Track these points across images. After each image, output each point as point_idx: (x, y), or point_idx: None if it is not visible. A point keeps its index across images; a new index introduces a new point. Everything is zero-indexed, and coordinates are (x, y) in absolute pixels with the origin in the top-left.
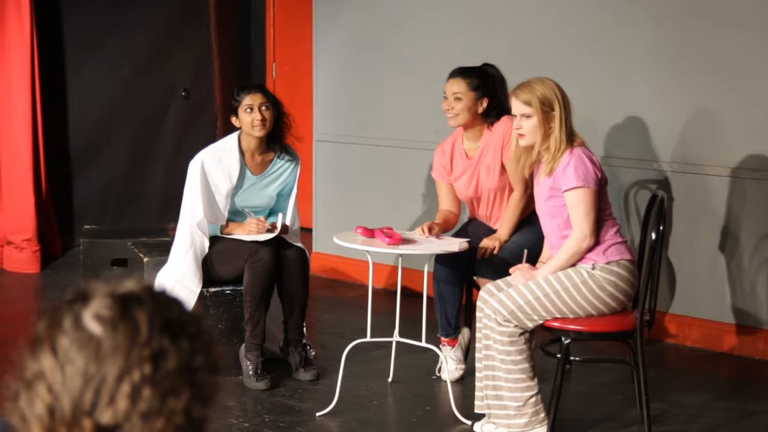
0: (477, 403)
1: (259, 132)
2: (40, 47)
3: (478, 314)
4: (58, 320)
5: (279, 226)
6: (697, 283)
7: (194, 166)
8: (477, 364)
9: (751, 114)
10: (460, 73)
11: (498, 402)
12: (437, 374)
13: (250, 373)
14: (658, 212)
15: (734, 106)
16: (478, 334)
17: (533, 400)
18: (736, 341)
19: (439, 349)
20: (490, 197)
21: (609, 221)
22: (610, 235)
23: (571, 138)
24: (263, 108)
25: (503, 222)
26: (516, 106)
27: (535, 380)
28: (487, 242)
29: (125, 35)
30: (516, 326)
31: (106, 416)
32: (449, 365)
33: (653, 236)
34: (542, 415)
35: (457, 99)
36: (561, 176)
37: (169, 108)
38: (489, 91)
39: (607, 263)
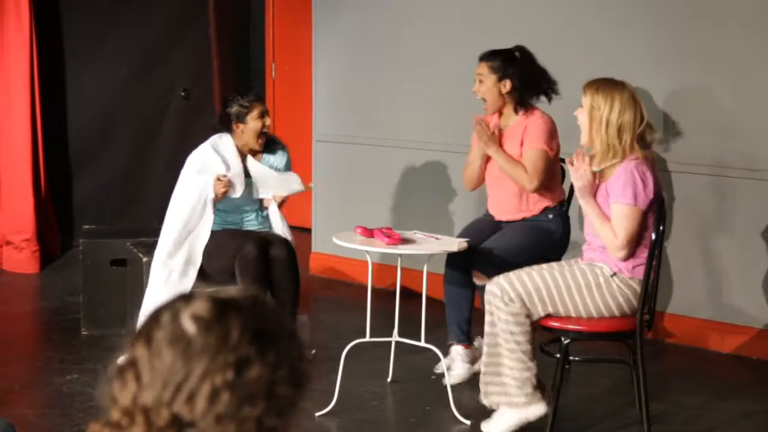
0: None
1: (262, 139)
2: (39, 48)
3: (486, 296)
4: (159, 314)
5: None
6: (696, 283)
7: (194, 156)
8: (484, 340)
9: (751, 114)
10: (485, 55)
11: (497, 378)
12: (438, 372)
13: None
14: (658, 212)
15: (733, 106)
16: (486, 316)
17: (533, 380)
18: (735, 341)
19: (447, 350)
20: (507, 179)
21: (650, 243)
22: (644, 255)
23: (631, 148)
24: (267, 116)
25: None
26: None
27: (535, 362)
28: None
29: (124, 36)
30: (522, 307)
31: (183, 411)
32: (457, 367)
33: (653, 236)
34: (540, 394)
35: (480, 81)
36: (611, 187)
37: (169, 108)
38: (511, 73)
39: (630, 278)
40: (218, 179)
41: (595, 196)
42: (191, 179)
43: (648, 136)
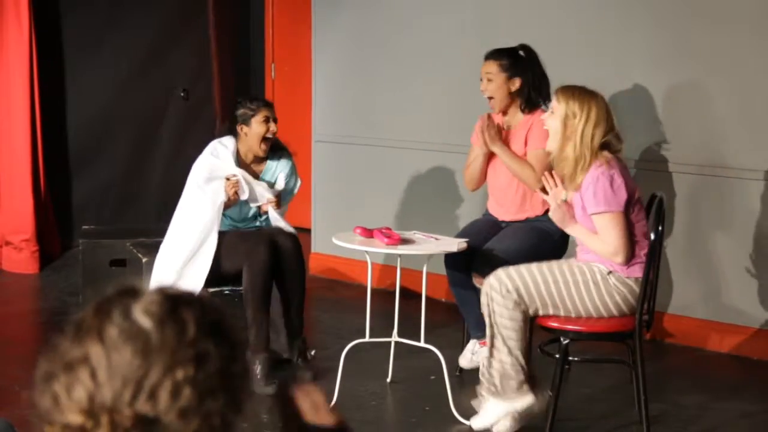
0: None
1: (266, 146)
2: (39, 48)
3: (484, 288)
4: (106, 310)
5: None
6: (695, 282)
7: (198, 165)
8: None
9: (751, 114)
10: (492, 54)
11: (489, 369)
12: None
13: (258, 376)
14: (658, 212)
15: (734, 106)
16: (485, 311)
17: (523, 374)
18: (735, 341)
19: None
20: (511, 179)
21: (643, 240)
22: (639, 254)
23: (596, 155)
24: (273, 121)
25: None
26: (552, 102)
27: (528, 357)
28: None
29: (124, 36)
30: (519, 299)
31: (145, 408)
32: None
33: (653, 236)
34: (528, 387)
35: (489, 80)
36: (585, 197)
37: (168, 109)
38: (520, 72)
39: (626, 276)
40: (227, 179)
41: (575, 212)
42: (201, 189)
43: (614, 145)
